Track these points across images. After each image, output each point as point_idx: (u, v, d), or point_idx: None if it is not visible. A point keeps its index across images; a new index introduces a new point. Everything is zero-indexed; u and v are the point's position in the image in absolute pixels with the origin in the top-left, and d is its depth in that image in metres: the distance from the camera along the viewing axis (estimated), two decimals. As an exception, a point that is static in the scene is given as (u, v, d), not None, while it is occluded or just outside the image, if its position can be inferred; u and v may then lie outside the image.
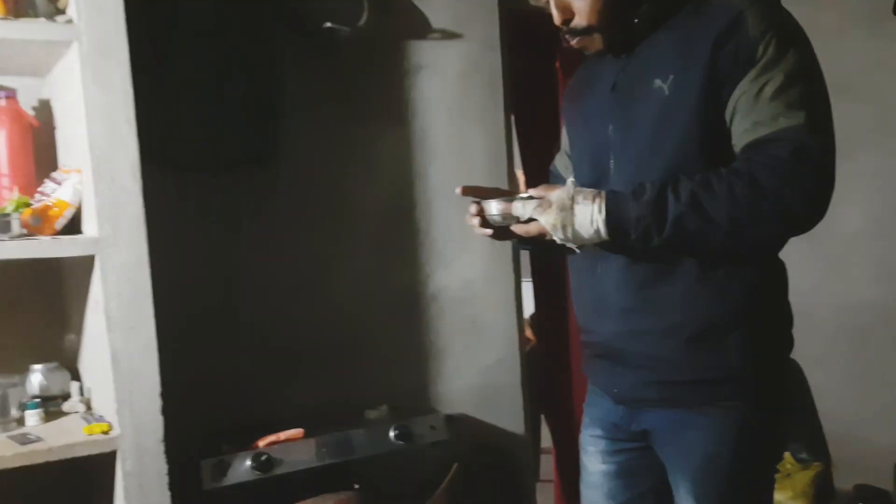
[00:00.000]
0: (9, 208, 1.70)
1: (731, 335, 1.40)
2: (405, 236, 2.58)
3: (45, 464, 1.63)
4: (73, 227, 1.80)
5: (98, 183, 1.69)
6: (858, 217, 3.29)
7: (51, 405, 1.88)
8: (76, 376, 1.98)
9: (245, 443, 2.08)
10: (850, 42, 3.24)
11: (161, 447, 1.76)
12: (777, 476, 1.56)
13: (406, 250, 2.58)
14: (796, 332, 1.50)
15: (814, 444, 3.11)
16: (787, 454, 3.11)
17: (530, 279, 3.16)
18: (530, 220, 1.39)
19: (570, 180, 1.42)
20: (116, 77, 1.70)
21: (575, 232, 1.36)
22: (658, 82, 1.39)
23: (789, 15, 1.36)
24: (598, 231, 1.34)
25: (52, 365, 1.92)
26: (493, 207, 1.44)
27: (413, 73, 2.57)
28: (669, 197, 1.30)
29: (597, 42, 1.49)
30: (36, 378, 1.89)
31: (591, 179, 1.52)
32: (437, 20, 2.59)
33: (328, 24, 2.32)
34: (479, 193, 1.50)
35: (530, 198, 1.40)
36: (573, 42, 1.50)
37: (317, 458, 2.10)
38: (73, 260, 1.77)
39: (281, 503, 2.05)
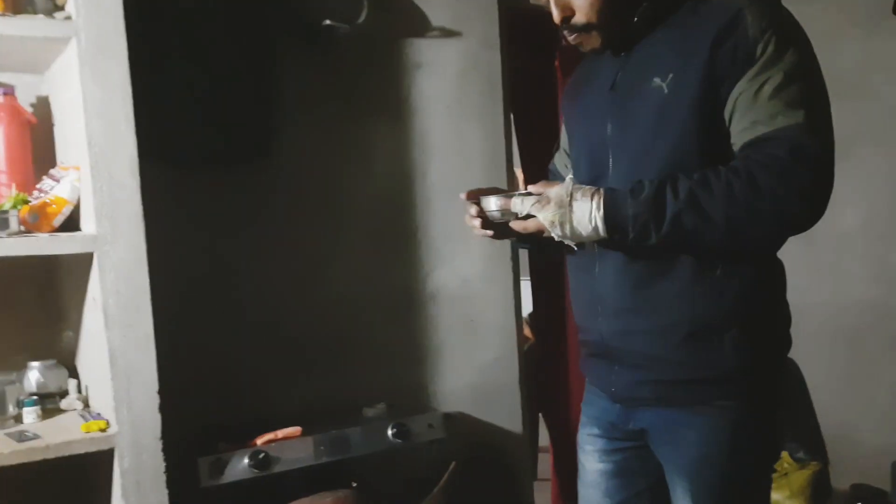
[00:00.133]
0: (7, 205, 1.70)
1: (727, 335, 1.40)
2: (403, 234, 2.58)
3: (42, 461, 1.63)
4: (72, 224, 1.79)
5: (96, 180, 1.69)
6: (855, 217, 3.29)
7: (48, 402, 1.88)
8: (74, 374, 1.98)
9: (243, 441, 2.07)
10: (848, 42, 3.25)
11: (159, 445, 1.76)
12: (774, 475, 1.56)
13: (404, 248, 2.58)
14: (793, 331, 1.50)
15: (811, 444, 3.12)
16: (784, 453, 3.11)
17: (528, 278, 3.16)
18: (529, 216, 1.39)
19: (569, 177, 1.42)
20: (115, 74, 1.70)
21: (573, 229, 1.36)
22: (657, 81, 1.39)
23: (789, 14, 1.36)
24: (596, 228, 1.34)
25: (50, 362, 1.91)
26: (492, 203, 1.45)
27: (412, 71, 2.57)
28: (668, 195, 1.30)
29: (594, 40, 1.49)
30: (33, 375, 1.89)
31: (590, 177, 1.52)
32: (436, 18, 2.59)
33: (327, 22, 2.32)
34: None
35: (529, 194, 1.40)
36: (570, 38, 1.50)
37: (314, 456, 2.10)
38: (71, 257, 1.77)
39: (278, 501, 2.05)
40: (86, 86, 1.68)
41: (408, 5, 2.56)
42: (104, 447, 1.71)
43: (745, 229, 1.30)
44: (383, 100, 2.54)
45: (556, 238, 1.39)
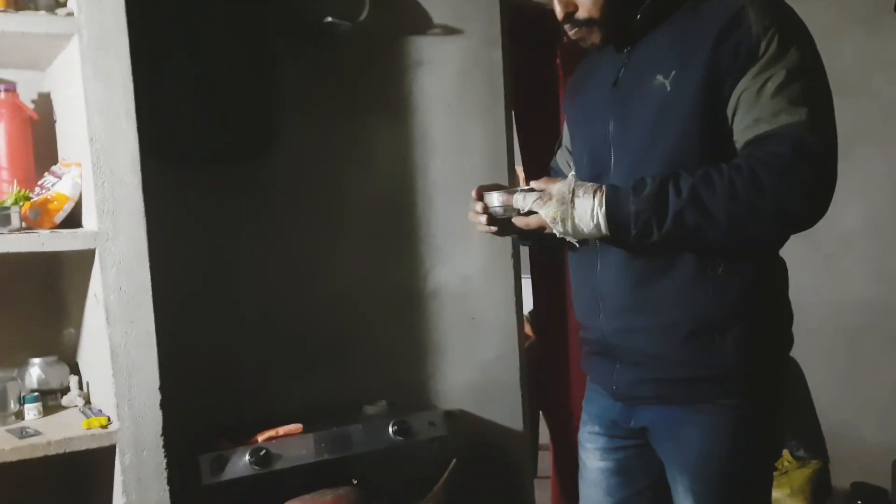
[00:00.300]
0: (8, 202, 1.70)
1: (728, 333, 1.40)
2: (405, 232, 2.58)
3: (43, 458, 1.63)
4: (73, 220, 1.80)
5: (98, 176, 1.69)
6: (856, 216, 3.29)
7: (49, 399, 1.88)
8: (75, 370, 1.98)
9: (243, 438, 2.07)
10: (849, 40, 3.24)
11: (160, 441, 1.76)
12: (775, 473, 1.56)
13: (405, 246, 2.58)
14: (794, 330, 1.50)
15: (811, 442, 3.12)
16: (784, 452, 3.12)
17: (529, 276, 3.16)
18: (531, 212, 1.39)
19: (571, 174, 1.42)
20: (116, 70, 1.70)
21: (575, 226, 1.36)
22: (660, 78, 1.39)
23: (792, 11, 1.36)
24: (598, 225, 1.34)
25: (51, 359, 1.91)
26: (495, 199, 1.45)
27: (413, 69, 2.57)
28: (670, 192, 1.30)
29: (596, 36, 1.48)
30: (35, 372, 1.89)
31: (591, 175, 1.52)
32: (437, 15, 2.59)
33: (329, 19, 2.32)
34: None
35: (531, 190, 1.40)
36: (572, 34, 1.50)
37: (315, 453, 2.10)
38: (73, 254, 1.77)
39: (279, 498, 2.05)
40: (87, 82, 1.68)
41: (409, 3, 2.55)
42: (105, 444, 1.71)
43: (747, 227, 1.30)
44: (384, 98, 2.54)
45: (558, 235, 1.38)
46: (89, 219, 1.75)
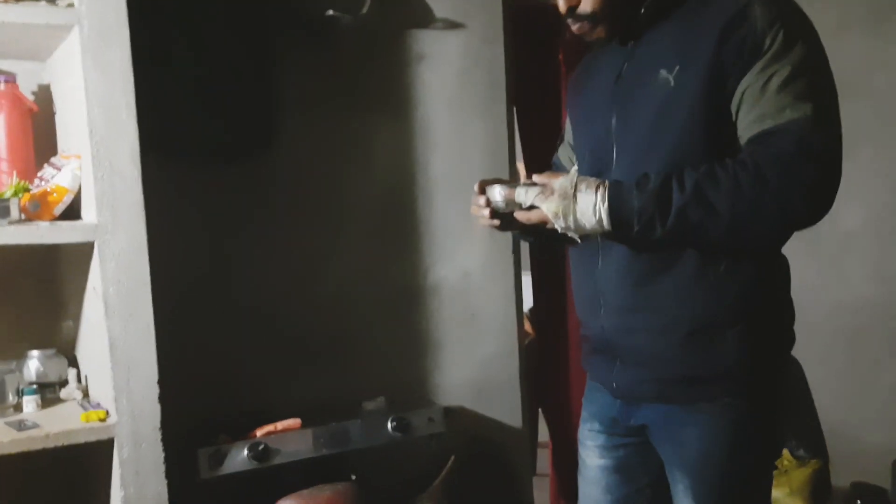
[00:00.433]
0: (7, 193, 1.69)
1: (729, 332, 1.40)
2: (405, 228, 2.57)
3: (42, 450, 1.63)
4: (72, 213, 1.79)
5: (97, 169, 1.69)
6: (857, 216, 3.28)
7: (48, 392, 1.88)
8: (73, 363, 1.98)
9: (242, 432, 2.07)
10: (851, 41, 3.23)
11: (158, 435, 1.76)
12: (774, 473, 1.55)
13: (405, 242, 2.57)
14: (794, 329, 1.49)
15: (811, 442, 3.11)
16: (784, 451, 3.11)
17: (530, 273, 3.15)
18: (532, 207, 1.39)
19: (574, 168, 1.41)
20: (117, 62, 1.70)
21: (576, 221, 1.35)
22: (664, 73, 1.38)
23: (797, 7, 1.35)
24: (600, 221, 1.33)
25: (50, 351, 1.91)
26: (497, 193, 1.44)
27: (414, 64, 2.56)
28: (674, 187, 1.29)
29: (599, 30, 1.48)
30: (33, 364, 1.88)
31: (593, 170, 1.51)
32: (439, 10, 2.58)
33: (330, 13, 2.31)
34: None
35: (534, 184, 1.40)
36: (575, 28, 1.49)
37: (314, 448, 2.10)
38: (72, 246, 1.76)
39: (277, 493, 2.05)
40: (87, 74, 1.67)
41: (411, -3, 2.55)
42: (103, 437, 1.71)
43: (750, 223, 1.29)
44: (385, 93, 2.53)
45: (560, 230, 1.38)
46: (89, 211, 1.75)
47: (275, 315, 2.34)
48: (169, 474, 1.77)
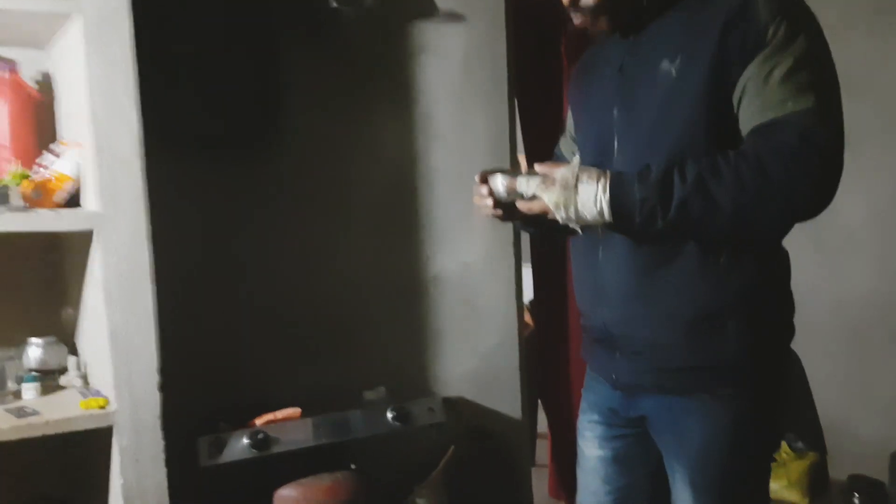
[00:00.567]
0: (8, 180, 1.69)
1: (730, 323, 1.40)
2: (406, 219, 2.57)
3: (41, 437, 1.63)
4: (74, 201, 1.79)
5: (99, 157, 1.68)
6: (859, 211, 3.28)
7: (48, 379, 1.88)
8: (74, 351, 1.98)
9: (242, 421, 2.08)
10: (853, 37, 3.22)
11: (158, 423, 1.76)
12: (772, 465, 1.56)
13: (407, 233, 2.57)
14: (795, 324, 1.49)
15: (810, 434, 3.12)
16: (783, 443, 3.12)
17: (530, 264, 3.16)
18: (534, 197, 1.39)
19: (576, 159, 1.41)
20: (119, 50, 1.69)
21: (578, 212, 1.35)
22: (666, 65, 1.38)
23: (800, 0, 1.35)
24: (601, 212, 1.33)
25: (50, 339, 1.91)
26: (499, 182, 1.44)
27: (417, 56, 2.55)
28: (675, 179, 1.29)
29: (602, 22, 1.47)
30: (33, 352, 1.89)
31: (595, 161, 1.51)
32: (442, 2, 2.58)
33: (334, 4, 2.31)
34: None
35: (536, 174, 1.39)
36: (578, 20, 1.49)
37: (314, 437, 2.10)
38: (73, 234, 1.76)
39: (277, 482, 2.06)
40: (90, 62, 1.67)
41: (414, -12, 2.54)
42: (103, 424, 1.71)
43: (752, 215, 1.29)
44: (388, 84, 2.53)
45: (561, 220, 1.37)
46: (90, 199, 1.74)
47: (276, 305, 2.34)
48: (168, 462, 1.77)
